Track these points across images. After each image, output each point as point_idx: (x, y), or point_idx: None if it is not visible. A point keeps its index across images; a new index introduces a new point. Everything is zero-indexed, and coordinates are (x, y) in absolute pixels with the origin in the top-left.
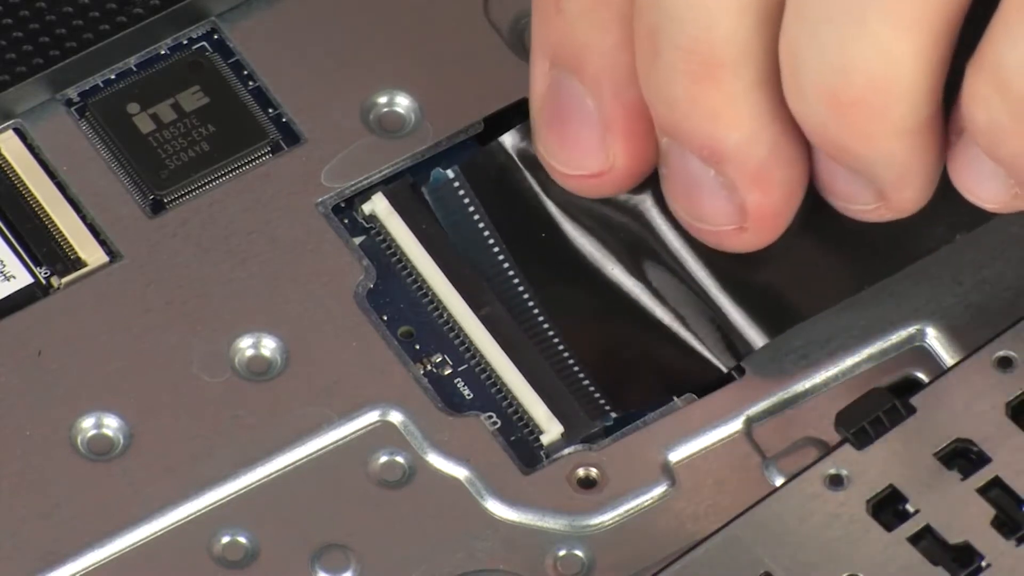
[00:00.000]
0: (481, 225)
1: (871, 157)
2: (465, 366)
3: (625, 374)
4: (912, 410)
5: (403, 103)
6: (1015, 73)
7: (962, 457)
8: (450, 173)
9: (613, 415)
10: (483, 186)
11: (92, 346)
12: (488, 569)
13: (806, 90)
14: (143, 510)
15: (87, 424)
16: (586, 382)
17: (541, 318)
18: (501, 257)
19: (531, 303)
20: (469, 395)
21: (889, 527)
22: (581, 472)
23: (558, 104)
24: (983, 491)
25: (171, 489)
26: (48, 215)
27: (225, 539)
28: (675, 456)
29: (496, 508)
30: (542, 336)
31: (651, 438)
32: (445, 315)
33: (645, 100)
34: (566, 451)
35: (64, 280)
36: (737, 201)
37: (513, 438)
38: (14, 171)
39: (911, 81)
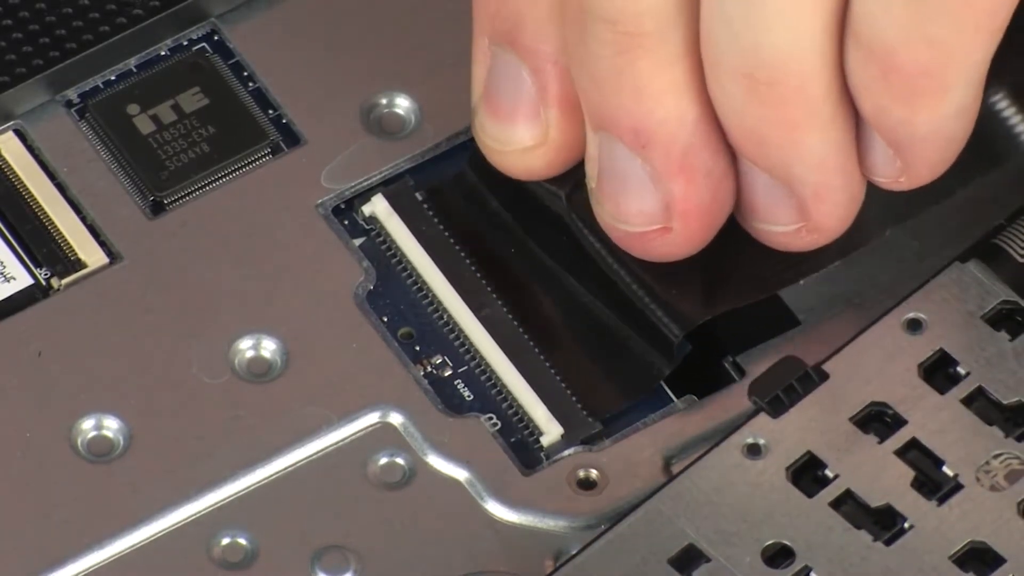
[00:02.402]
0: (452, 241)
1: (790, 150)
2: (465, 367)
3: (602, 378)
4: (825, 376)
5: (403, 104)
6: (860, 21)
7: (878, 420)
8: (418, 196)
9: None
10: (449, 209)
11: (92, 347)
12: (488, 570)
13: (722, 71)
14: (143, 511)
15: (87, 425)
16: (568, 391)
17: (521, 328)
18: (474, 268)
19: (509, 315)
20: (469, 396)
21: (810, 493)
22: (581, 473)
23: (495, 80)
24: (901, 453)
25: (171, 490)
26: (48, 216)
27: (225, 540)
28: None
29: (496, 509)
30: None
31: (651, 439)
32: (445, 316)
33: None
34: (566, 452)
35: (64, 281)
36: (662, 193)
37: (513, 439)
38: (14, 172)
39: (820, 57)
